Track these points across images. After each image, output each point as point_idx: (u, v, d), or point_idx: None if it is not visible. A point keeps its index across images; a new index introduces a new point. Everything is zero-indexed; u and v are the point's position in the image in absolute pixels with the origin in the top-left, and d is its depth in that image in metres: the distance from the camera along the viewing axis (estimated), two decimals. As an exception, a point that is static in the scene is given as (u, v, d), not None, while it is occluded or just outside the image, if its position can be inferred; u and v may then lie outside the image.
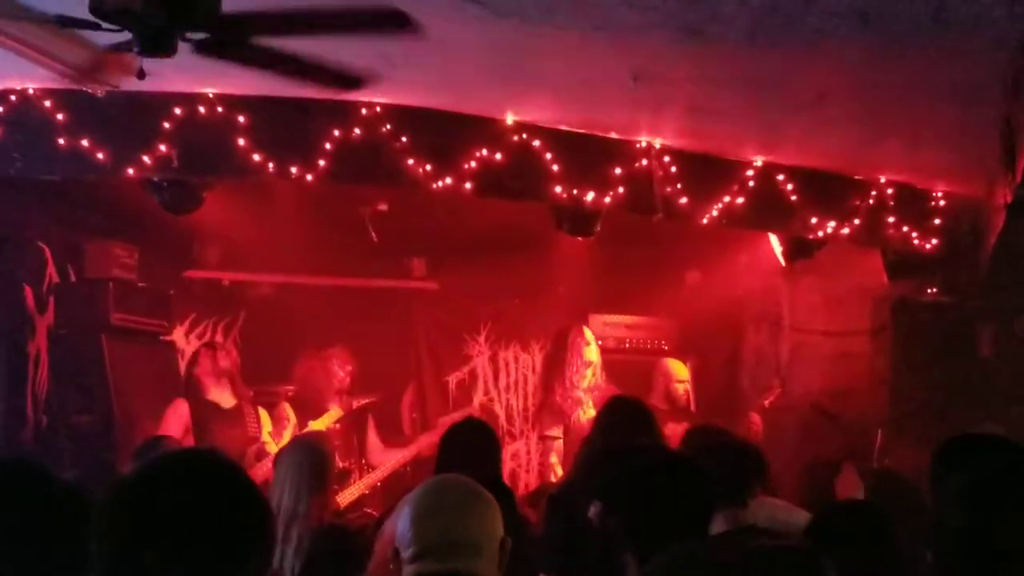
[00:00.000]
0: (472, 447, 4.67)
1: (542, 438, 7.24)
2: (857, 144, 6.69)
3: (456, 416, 7.58)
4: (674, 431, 7.23)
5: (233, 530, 1.79)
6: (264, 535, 1.87)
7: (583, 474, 4.62)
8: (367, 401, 7.40)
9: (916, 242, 7.61)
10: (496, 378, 9.44)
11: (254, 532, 1.83)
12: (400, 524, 2.74)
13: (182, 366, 7.62)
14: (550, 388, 7.42)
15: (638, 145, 6.68)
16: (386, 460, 7.26)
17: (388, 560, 2.93)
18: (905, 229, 7.55)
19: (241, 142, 5.77)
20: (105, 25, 4.08)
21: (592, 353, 7.50)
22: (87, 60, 5.01)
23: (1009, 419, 6.81)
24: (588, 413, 7.09)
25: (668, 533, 2.80)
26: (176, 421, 6.53)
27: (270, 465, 5.72)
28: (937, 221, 7.61)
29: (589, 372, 7.44)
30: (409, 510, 2.73)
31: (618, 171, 6.61)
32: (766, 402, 8.00)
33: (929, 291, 7.95)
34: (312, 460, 4.67)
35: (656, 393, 7.73)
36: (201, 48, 4.35)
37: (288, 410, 7.11)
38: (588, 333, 7.69)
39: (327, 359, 7.34)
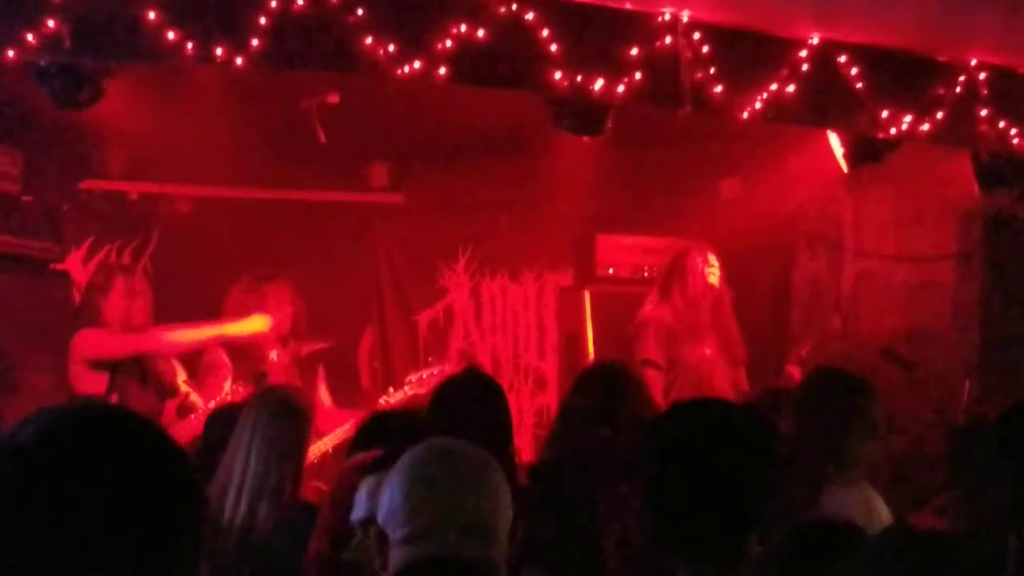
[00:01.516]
0: (474, 408, 4.75)
1: (642, 364, 7.34)
2: (941, 15, 6.72)
3: (431, 372, 7.71)
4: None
5: (150, 517, 1.73)
6: (191, 527, 1.83)
7: (569, 445, 4.76)
8: (317, 348, 7.49)
9: (1016, 142, 7.66)
10: (479, 316, 9.54)
11: (178, 521, 1.80)
12: (386, 497, 2.76)
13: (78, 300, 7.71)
14: (664, 298, 7.64)
15: (660, 18, 6.69)
16: (339, 424, 7.36)
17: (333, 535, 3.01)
18: (1002, 125, 7.60)
19: (151, 16, 5.76)
20: None
21: (712, 276, 7.71)
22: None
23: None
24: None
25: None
26: (86, 353, 6.65)
27: (196, 421, 5.86)
28: (1043, 114, 7.67)
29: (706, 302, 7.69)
30: (400, 480, 2.74)
31: (634, 52, 6.63)
32: (803, 351, 8.08)
33: (1031, 205, 8.04)
34: (288, 419, 4.75)
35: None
36: None
37: (224, 356, 7.20)
38: (710, 256, 7.84)
39: (263, 296, 7.41)
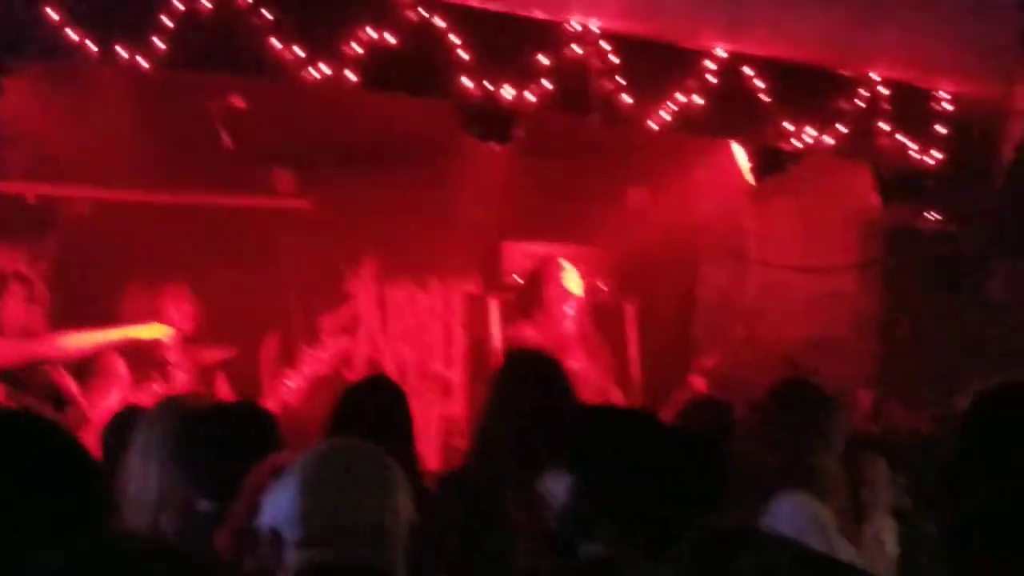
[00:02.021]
0: (377, 414, 4.72)
1: None
2: (845, 30, 6.81)
3: (329, 351, 7.62)
4: None
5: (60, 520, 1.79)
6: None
7: (496, 448, 4.71)
8: (219, 356, 7.40)
9: (915, 156, 7.79)
10: (384, 323, 9.49)
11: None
12: (282, 498, 2.70)
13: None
14: (523, 318, 7.53)
15: (570, 27, 6.73)
16: None
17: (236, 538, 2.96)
18: (902, 139, 7.73)
19: (53, 14, 5.68)
20: None
21: (572, 283, 7.61)
22: None
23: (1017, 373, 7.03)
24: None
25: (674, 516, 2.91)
26: None
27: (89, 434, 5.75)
28: (941, 129, 7.79)
29: (570, 309, 7.56)
30: (294, 482, 2.69)
31: (544, 60, 6.66)
32: (709, 363, 8.09)
33: (930, 217, 8.15)
34: (184, 428, 4.67)
35: None
36: None
37: (118, 363, 7.08)
38: (566, 265, 7.78)
39: (160, 297, 7.31)
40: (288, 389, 7.09)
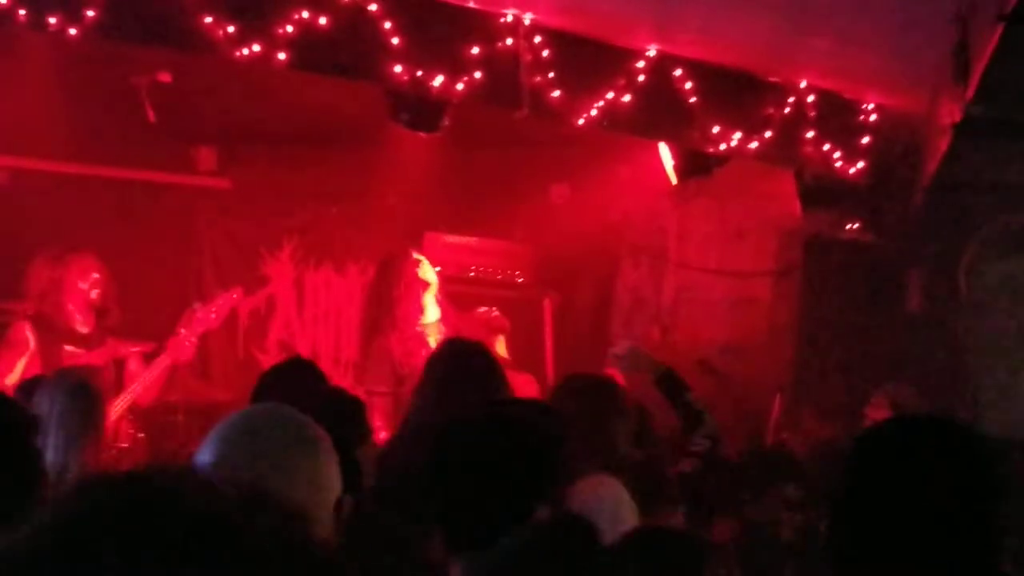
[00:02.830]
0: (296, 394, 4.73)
1: (369, 394, 7.21)
2: (774, 38, 6.92)
3: (219, 304, 7.58)
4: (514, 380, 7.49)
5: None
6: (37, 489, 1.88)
7: (412, 440, 4.76)
8: (136, 350, 7.35)
9: (838, 165, 7.92)
10: (301, 307, 9.49)
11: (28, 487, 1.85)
12: (197, 464, 2.53)
13: None
14: (377, 329, 7.47)
15: (502, 19, 6.77)
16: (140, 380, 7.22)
17: None
18: (826, 148, 7.86)
19: (-19, -21, 5.65)
20: None
21: (428, 272, 7.58)
22: None
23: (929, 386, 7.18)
24: None
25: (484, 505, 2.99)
26: None
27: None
28: (865, 140, 7.94)
29: (430, 299, 7.51)
30: (211, 448, 2.53)
31: (475, 51, 6.70)
32: (616, 350, 8.08)
33: (849, 227, 8.29)
34: (82, 398, 4.72)
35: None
36: None
37: (28, 332, 7.03)
38: (420, 256, 7.75)
39: (65, 266, 7.24)
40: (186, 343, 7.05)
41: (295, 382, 4.87)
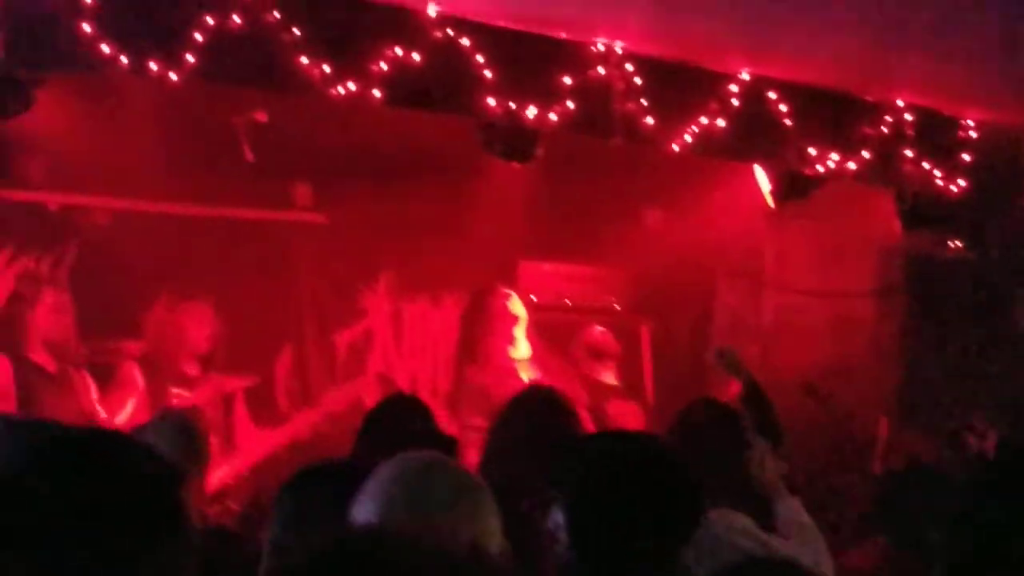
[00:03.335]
0: (409, 429, 4.78)
1: (462, 428, 7.23)
2: (869, 56, 6.91)
3: (348, 391, 7.73)
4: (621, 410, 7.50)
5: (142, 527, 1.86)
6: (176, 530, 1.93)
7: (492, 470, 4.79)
8: (241, 384, 7.49)
9: (939, 183, 7.86)
10: (399, 340, 9.56)
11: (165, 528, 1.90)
12: (360, 516, 2.50)
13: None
14: (469, 362, 7.53)
15: (594, 48, 6.83)
16: (257, 443, 7.40)
17: None
18: (926, 166, 7.80)
19: (86, 27, 5.79)
20: None
21: (517, 306, 7.62)
22: None
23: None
24: None
25: (633, 544, 2.95)
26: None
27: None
28: (966, 157, 7.87)
29: (520, 334, 7.55)
30: (375, 503, 2.48)
31: (567, 81, 6.75)
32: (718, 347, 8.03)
33: (952, 244, 8.21)
34: (185, 440, 4.80)
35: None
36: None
37: (136, 373, 7.18)
38: (509, 291, 7.79)
39: (182, 314, 7.40)
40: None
41: (401, 420, 4.92)
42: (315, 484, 2.90)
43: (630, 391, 8.17)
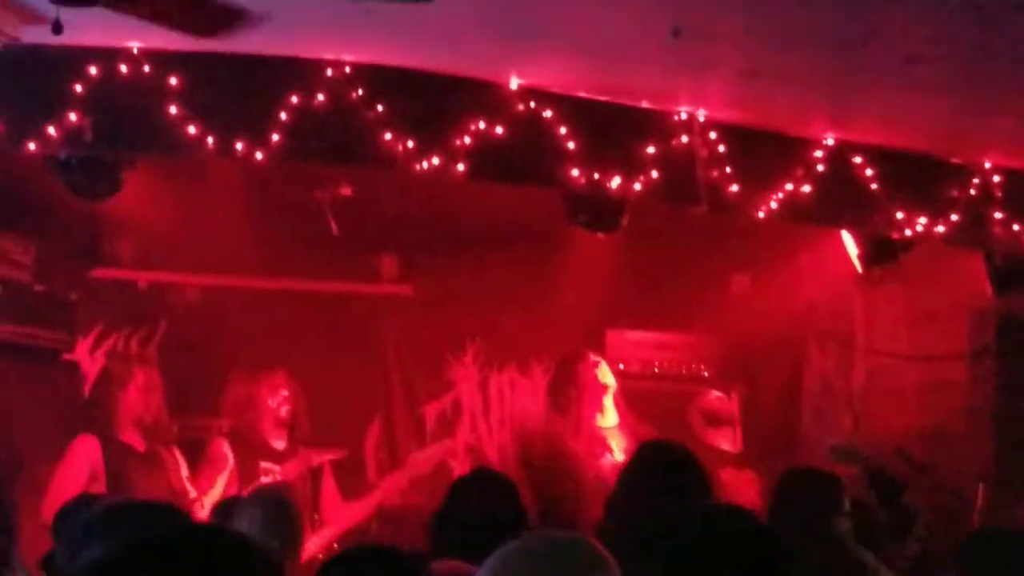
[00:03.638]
0: (489, 506, 4.77)
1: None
2: (957, 119, 6.84)
3: (433, 453, 7.74)
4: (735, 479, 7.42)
5: None
6: None
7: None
8: (328, 458, 7.53)
9: (1030, 243, 7.75)
10: (487, 410, 9.57)
11: None
12: None
13: (86, 390, 7.76)
14: (557, 430, 7.48)
15: (677, 117, 6.82)
16: (346, 516, 7.41)
17: None
18: (1016, 228, 7.69)
19: (173, 110, 5.90)
20: (12, -35, 4.22)
21: (606, 375, 7.59)
22: (-19, 7, 5.14)
23: None
24: (618, 457, 7.13)
25: None
26: (82, 464, 6.64)
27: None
28: (1057, 217, 7.75)
29: (609, 401, 7.51)
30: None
31: (651, 150, 6.75)
32: (836, 443, 7.97)
33: (1045, 306, 8.09)
34: (280, 517, 4.83)
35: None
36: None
37: (226, 449, 7.24)
38: (598, 358, 7.75)
39: (257, 384, 7.46)
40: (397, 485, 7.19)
41: (483, 495, 4.91)
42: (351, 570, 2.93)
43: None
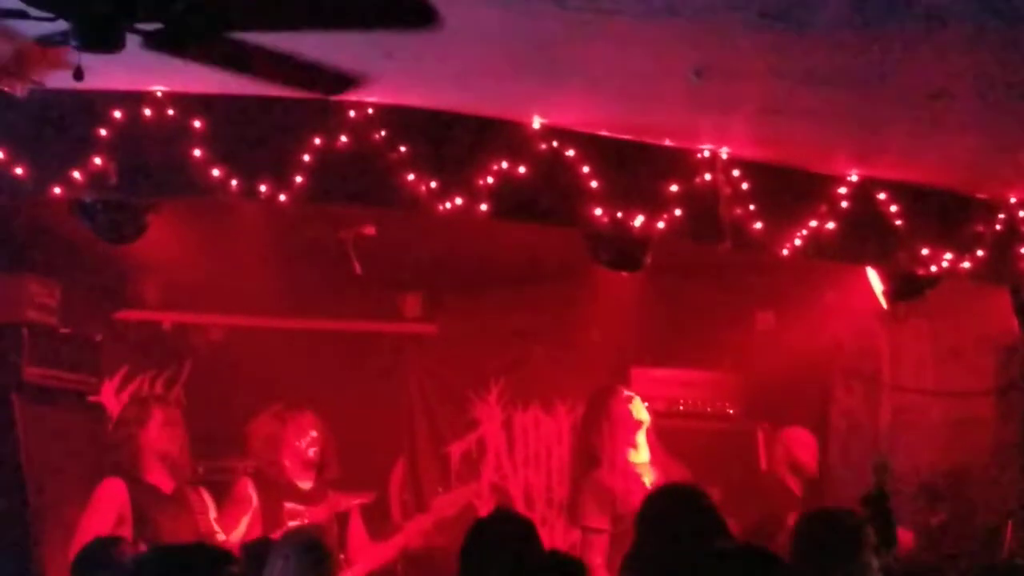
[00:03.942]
0: (508, 548, 4.77)
1: (584, 531, 7.17)
2: (981, 154, 6.81)
3: (458, 496, 7.73)
4: None
5: None
6: None
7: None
8: (356, 502, 7.52)
9: (1056, 280, 7.70)
10: (511, 449, 9.55)
11: None
12: None
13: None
14: (592, 462, 7.43)
15: (700, 155, 6.81)
16: (373, 556, 7.39)
17: None
18: (1041, 263, 7.66)
19: (197, 153, 5.91)
20: (35, 13, 4.23)
21: (640, 411, 7.55)
22: (6, 53, 5.16)
23: None
24: None
25: None
26: (108, 507, 6.64)
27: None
28: (1081, 252, 7.71)
29: (642, 437, 7.46)
30: None
31: (674, 188, 6.74)
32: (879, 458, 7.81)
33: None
34: (314, 561, 4.84)
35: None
36: (154, 42, 4.50)
37: (251, 489, 7.22)
38: (631, 393, 7.72)
39: (283, 424, 7.44)
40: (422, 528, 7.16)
41: (505, 537, 4.90)
42: None
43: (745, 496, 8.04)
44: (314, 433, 7.39)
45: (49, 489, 6.96)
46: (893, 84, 5.82)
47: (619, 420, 7.34)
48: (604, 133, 6.63)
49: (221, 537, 6.88)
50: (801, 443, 8.19)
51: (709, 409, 8.85)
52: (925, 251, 7.34)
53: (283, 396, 7.86)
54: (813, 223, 7.08)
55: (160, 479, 6.89)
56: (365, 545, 7.52)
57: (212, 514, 7.04)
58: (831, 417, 9.36)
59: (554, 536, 9.15)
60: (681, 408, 8.85)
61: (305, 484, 7.35)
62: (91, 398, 7.72)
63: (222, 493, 7.30)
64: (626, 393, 7.54)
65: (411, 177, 6.22)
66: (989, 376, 8.68)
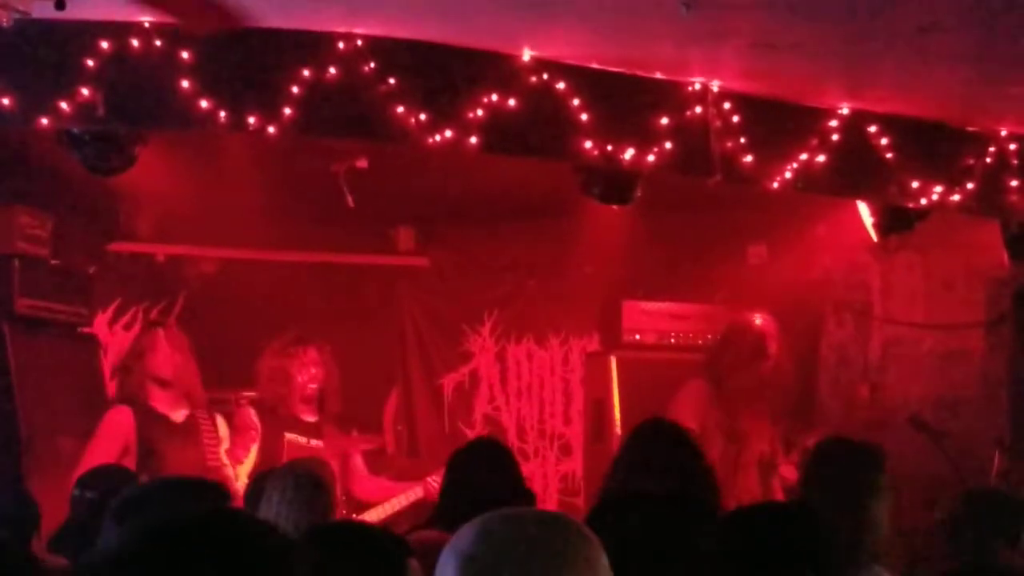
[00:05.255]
0: (484, 474, 4.77)
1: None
2: (972, 87, 6.76)
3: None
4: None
5: None
6: None
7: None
8: (363, 448, 7.52)
9: (1046, 211, 7.67)
10: (504, 381, 9.56)
11: None
12: None
13: (105, 363, 7.76)
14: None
15: (690, 88, 6.74)
16: (373, 492, 7.39)
17: None
18: (1032, 195, 7.62)
19: (185, 84, 5.84)
20: (18, -59, 4.17)
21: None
22: (-11, -18, 5.08)
23: None
24: None
25: None
26: (115, 436, 6.64)
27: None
28: (1073, 184, 7.67)
29: None
30: (464, 565, 2.12)
31: (664, 121, 6.68)
32: (809, 442, 7.76)
33: (1061, 274, 8.03)
34: (313, 492, 4.84)
35: None
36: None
37: (254, 417, 7.22)
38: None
39: (288, 358, 7.44)
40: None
41: (481, 464, 4.91)
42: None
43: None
44: (315, 370, 7.39)
45: (40, 420, 6.96)
46: (884, 16, 5.76)
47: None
48: (594, 66, 6.55)
49: (229, 471, 6.88)
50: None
51: (700, 341, 8.81)
52: (915, 184, 7.29)
53: (277, 328, 7.83)
54: (803, 156, 7.03)
55: (169, 407, 6.90)
56: (366, 478, 7.53)
57: (224, 445, 7.04)
58: (821, 349, 9.36)
59: (546, 466, 9.19)
60: (672, 341, 8.82)
61: (309, 417, 7.36)
62: (83, 330, 7.72)
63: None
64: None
65: (400, 110, 6.15)
66: (979, 308, 8.67)
